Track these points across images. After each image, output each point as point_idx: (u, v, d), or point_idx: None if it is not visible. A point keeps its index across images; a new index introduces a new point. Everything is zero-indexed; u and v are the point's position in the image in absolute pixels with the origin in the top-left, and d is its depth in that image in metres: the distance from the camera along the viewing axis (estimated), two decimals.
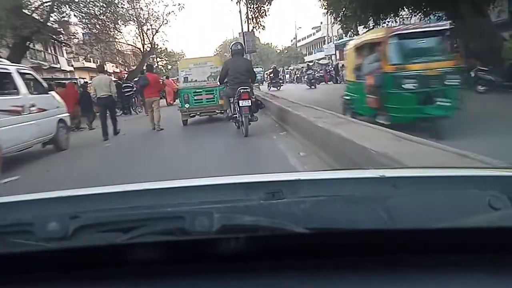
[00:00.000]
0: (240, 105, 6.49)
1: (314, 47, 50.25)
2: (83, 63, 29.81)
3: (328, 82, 25.53)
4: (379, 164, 2.61)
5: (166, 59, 39.80)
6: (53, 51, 25.86)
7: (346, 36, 28.09)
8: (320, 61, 38.63)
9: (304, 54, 51.19)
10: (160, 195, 0.72)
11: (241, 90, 6.47)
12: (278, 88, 23.87)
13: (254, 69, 28.58)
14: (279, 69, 32.40)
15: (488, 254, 0.58)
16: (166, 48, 39.67)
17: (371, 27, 20.00)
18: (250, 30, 19.46)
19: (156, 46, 30.17)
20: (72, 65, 29.10)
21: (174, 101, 17.21)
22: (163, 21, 26.26)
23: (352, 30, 21.76)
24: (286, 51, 53.47)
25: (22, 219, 0.64)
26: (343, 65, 27.01)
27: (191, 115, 9.45)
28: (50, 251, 0.59)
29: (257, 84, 23.89)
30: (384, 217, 0.58)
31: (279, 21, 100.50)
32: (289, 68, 36.60)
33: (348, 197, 0.63)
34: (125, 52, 29.37)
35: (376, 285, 0.57)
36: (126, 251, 0.59)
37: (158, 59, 38.16)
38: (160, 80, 15.63)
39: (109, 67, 30.57)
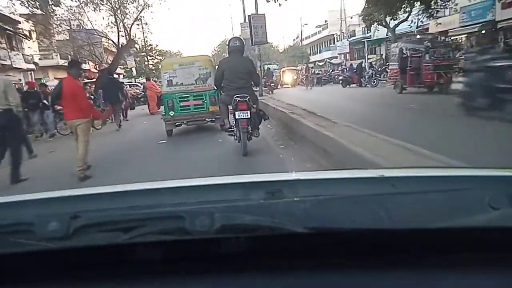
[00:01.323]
0: (236, 117, 5.21)
1: (321, 46, 47.16)
2: (58, 61, 24.85)
3: (352, 84, 20.40)
4: None
5: (158, 58, 33.83)
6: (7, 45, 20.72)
7: (369, 30, 24.14)
8: (332, 61, 35.42)
9: (309, 54, 47.57)
10: (161, 194, 0.72)
11: (237, 99, 5.15)
12: (271, 92, 19.49)
13: (269, 66, 24.40)
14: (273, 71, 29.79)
15: (487, 254, 0.58)
16: (157, 45, 35.11)
17: (405, 17, 17.29)
18: (258, 13, 14.79)
19: (137, 39, 24.45)
20: (34, 62, 24.01)
21: (159, 108, 13.43)
22: (144, 5, 20.20)
23: (381, 22, 18.62)
24: (290, 50, 48.30)
25: (22, 219, 0.64)
26: (371, 63, 22.75)
27: (176, 124, 7.87)
28: (51, 251, 0.59)
29: (272, 86, 21.06)
30: (383, 217, 0.58)
31: (280, 20, 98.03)
32: (296, 68, 32.58)
33: (348, 197, 0.63)
34: (98, 46, 23.35)
35: (376, 284, 0.57)
36: (126, 250, 0.60)
37: (149, 57, 33.95)
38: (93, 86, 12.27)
39: (87, 66, 24.85)
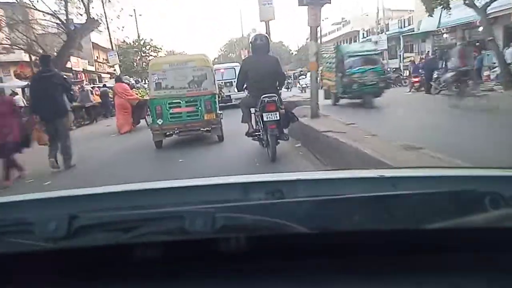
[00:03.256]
0: (265, 119, 4.76)
1: (341, 44, 40.77)
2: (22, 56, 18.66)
3: (412, 89, 14.64)
4: None
5: (153, 55, 28.97)
6: None
7: (431, 15, 15.52)
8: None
9: None
10: (161, 194, 0.72)
11: (266, 100, 4.73)
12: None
13: (347, 47, 14.72)
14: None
15: (487, 254, 0.58)
16: (151, 39, 30.31)
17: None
18: None
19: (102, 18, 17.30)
20: None
21: (136, 123, 10.09)
22: None
23: (447, 5, 12.71)
24: (307, 49, 43.60)
25: (22, 219, 0.64)
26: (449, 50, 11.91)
27: (167, 134, 6.82)
28: (50, 251, 0.59)
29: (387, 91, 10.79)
30: (383, 217, 0.58)
31: (290, 18, 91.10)
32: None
33: (348, 197, 0.63)
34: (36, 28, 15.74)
35: (376, 285, 0.57)
36: (126, 250, 0.60)
37: (142, 54, 29.38)
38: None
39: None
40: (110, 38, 22.96)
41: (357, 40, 35.59)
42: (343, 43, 39.65)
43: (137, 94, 10.24)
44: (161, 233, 0.58)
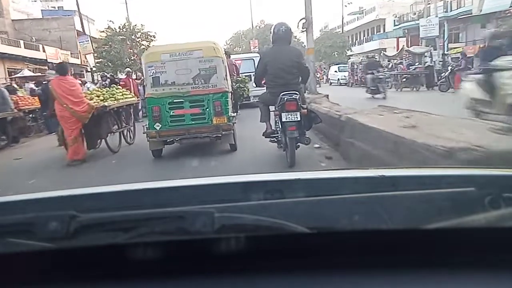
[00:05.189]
0: (283, 119, 4.19)
1: (362, 35, 38.51)
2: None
3: None
4: None
5: (144, 44, 23.05)
6: None
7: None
8: (414, 49, 21.28)
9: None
10: (161, 194, 0.73)
11: (286, 98, 4.16)
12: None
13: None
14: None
15: (488, 254, 0.58)
16: (142, 25, 23.57)
17: None
18: None
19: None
20: None
21: (92, 146, 6.11)
22: None
23: None
24: (326, 38, 34.54)
25: (22, 219, 0.64)
26: None
27: (168, 141, 5.48)
28: (51, 251, 0.59)
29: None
30: (384, 217, 0.58)
31: (299, 8, 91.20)
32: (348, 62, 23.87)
33: (348, 197, 0.63)
34: None
35: (376, 285, 0.57)
36: (126, 250, 0.60)
37: (133, 43, 23.42)
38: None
39: None
40: (80, 16, 18.08)
41: (383, 30, 31.64)
42: (366, 33, 36.34)
43: (97, 99, 6.22)
44: (161, 233, 0.59)
